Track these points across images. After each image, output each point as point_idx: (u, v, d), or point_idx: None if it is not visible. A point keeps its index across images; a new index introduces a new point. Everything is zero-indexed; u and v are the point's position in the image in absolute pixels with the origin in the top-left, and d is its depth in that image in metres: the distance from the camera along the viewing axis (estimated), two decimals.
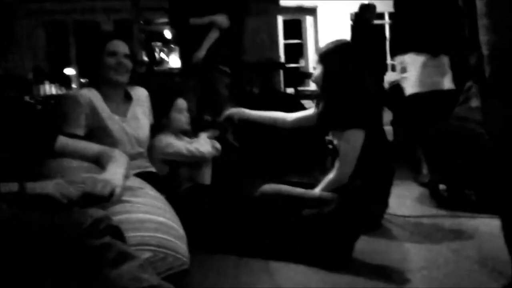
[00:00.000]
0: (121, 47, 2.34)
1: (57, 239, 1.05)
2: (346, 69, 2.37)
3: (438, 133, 3.02)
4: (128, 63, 2.34)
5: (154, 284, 1.03)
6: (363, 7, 5.29)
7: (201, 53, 3.60)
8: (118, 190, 1.48)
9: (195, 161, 2.59)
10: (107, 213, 1.17)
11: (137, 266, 1.06)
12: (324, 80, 2.41)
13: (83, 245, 1.04)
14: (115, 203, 1.48)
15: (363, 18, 5.13)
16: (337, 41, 2.49)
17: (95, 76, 2.36)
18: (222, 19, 3.66)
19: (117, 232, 1.14)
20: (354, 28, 4.98)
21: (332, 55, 2.41)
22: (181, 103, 2.68)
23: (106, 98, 2.32)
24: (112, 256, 1.04)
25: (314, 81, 2.52)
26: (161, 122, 2.61)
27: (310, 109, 2.71)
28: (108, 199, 1.44)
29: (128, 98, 2.43)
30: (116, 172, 1.56)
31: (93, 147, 1.82)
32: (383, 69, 5.22)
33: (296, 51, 7.20)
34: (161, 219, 1.56)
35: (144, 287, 1.01)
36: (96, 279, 1.02)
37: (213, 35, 3.65)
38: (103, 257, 1.03)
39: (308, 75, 6.12)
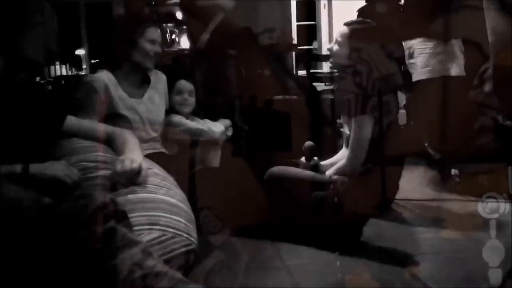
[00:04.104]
0: (159, 35, 2.32)
1: (62, 224, 1.04)
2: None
3: (450, 118, 2.99)
4: (160, 51, 2.33)
5: (157, 271, 1.03)
6: None
7: (205, 36, 3.57)
8: (144, 165, 1.55)
9: (205, 141, 2.59)
10: (113, 197, 1.15)
11: (140, 252, 1.05)
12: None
13: (87, 231, 1.03)
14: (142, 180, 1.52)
15: None
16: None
17: (119, 57, 2.31)
18: (226, 2, 3.60)
19: (122, 216, 1.13)
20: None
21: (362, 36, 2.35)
22: (181, 85, 2.56)
23: (123, 81, 2.30)
24: (115, 242, 1.04)
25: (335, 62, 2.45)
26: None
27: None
28: (137, 174, 1.50)
29: (145, 81, 2.42)
30: (134, 150, 1.61)
31: (102, 128, 1.82)
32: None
33: (309, 33, 7.13)
34: (169, 199, 1.56)
35: (146, 274, 1.01)
36: (98, 266, 1.01)
37: (218, 18, 3.60)
38: (106, 244, 1.03)
39: (320, 58, 6.04)
